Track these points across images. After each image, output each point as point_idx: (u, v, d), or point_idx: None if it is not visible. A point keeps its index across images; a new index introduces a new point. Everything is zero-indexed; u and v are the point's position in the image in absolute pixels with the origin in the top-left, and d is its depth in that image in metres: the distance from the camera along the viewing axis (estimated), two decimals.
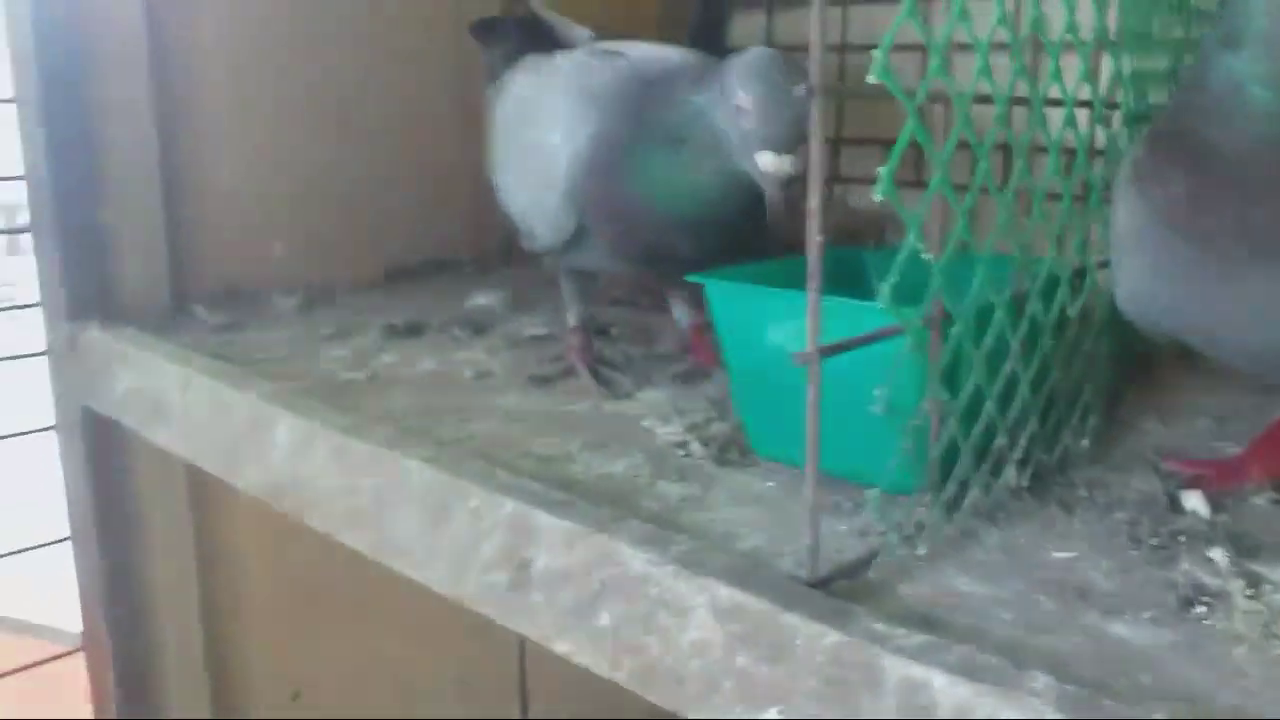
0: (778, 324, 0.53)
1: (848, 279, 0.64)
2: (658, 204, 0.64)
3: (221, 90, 0.90)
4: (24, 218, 0.82)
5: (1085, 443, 0.56)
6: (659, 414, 0.65)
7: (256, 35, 0.92)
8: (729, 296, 0.56)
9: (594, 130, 0.66)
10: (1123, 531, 0.49)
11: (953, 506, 0.47)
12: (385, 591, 1.04)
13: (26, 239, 0.83)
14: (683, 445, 0.60)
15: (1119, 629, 0.41)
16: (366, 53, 0.99)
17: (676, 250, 0.65)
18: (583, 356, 0.73)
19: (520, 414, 0.65)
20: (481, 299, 0.92)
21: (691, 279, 0.57)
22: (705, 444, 0.60)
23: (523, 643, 1.20)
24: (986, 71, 0.40)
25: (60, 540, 0.91)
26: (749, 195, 0.60)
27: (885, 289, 0.37)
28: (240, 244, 0.92)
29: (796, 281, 0.62)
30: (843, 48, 1.08)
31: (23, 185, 0.81)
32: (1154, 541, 0.48)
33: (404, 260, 1.04)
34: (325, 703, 1.04)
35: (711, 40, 1.26)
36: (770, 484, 0.55)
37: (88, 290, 0.80)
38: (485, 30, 0.85)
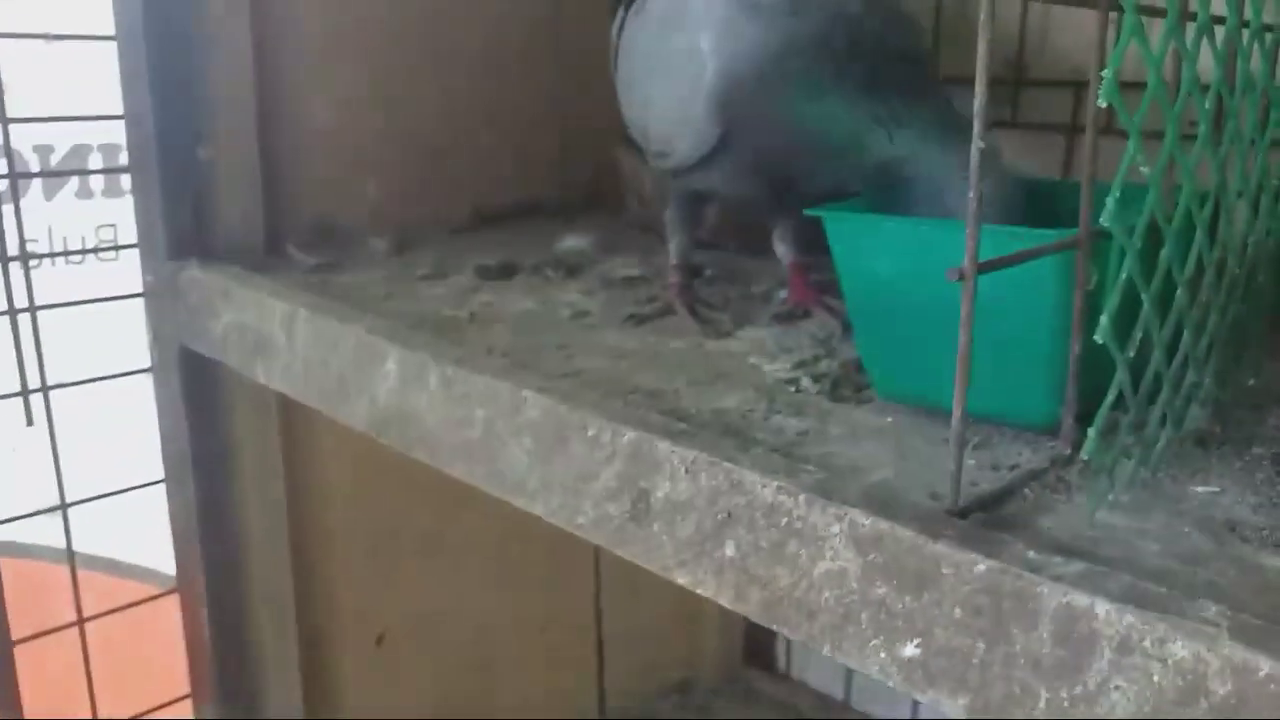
0: (907, 255, 0.51)
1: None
2: (811, 129, 0.62)
3: (315, 25, 0.90)
4: (125, 159, 0.83)
5: (1252, 380, 0.53)
6: (764, 352, 0.64)
7: None
8: (854, 230, 0.54)
9: (755, 36, 0.63)
10: (1265, 467, 0.47)
11: (1146, 445, 0.44)
12: (466, 538, 1.05)
13: (126, 180, 0.84)
14: (793, 382, 0.59)
15: (1276, 563, 0.39)
16: None
17: (812, 173, 0.63)
18: (683, 295, 0.72)
19: (623, 351, 0.64)
20: (572, 241, 0.91)
21: (811, 213, 0.55)
22: (816, 380, 0.58)
23: (598, 594, 1.20)
24: None
25: (155, 482, 0.92)
26: None
27: (1109, 204, 0.35)
28: (334, 183, 0.92)
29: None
30: None
31: (122, 125, 0.82)
32: None
33: (491, 203, 1.04)
34: (407, 647, 1.06)
35: None
36: (889, 419, 0.53)
37: (187, 228, 0.81)
38: None
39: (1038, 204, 0.59)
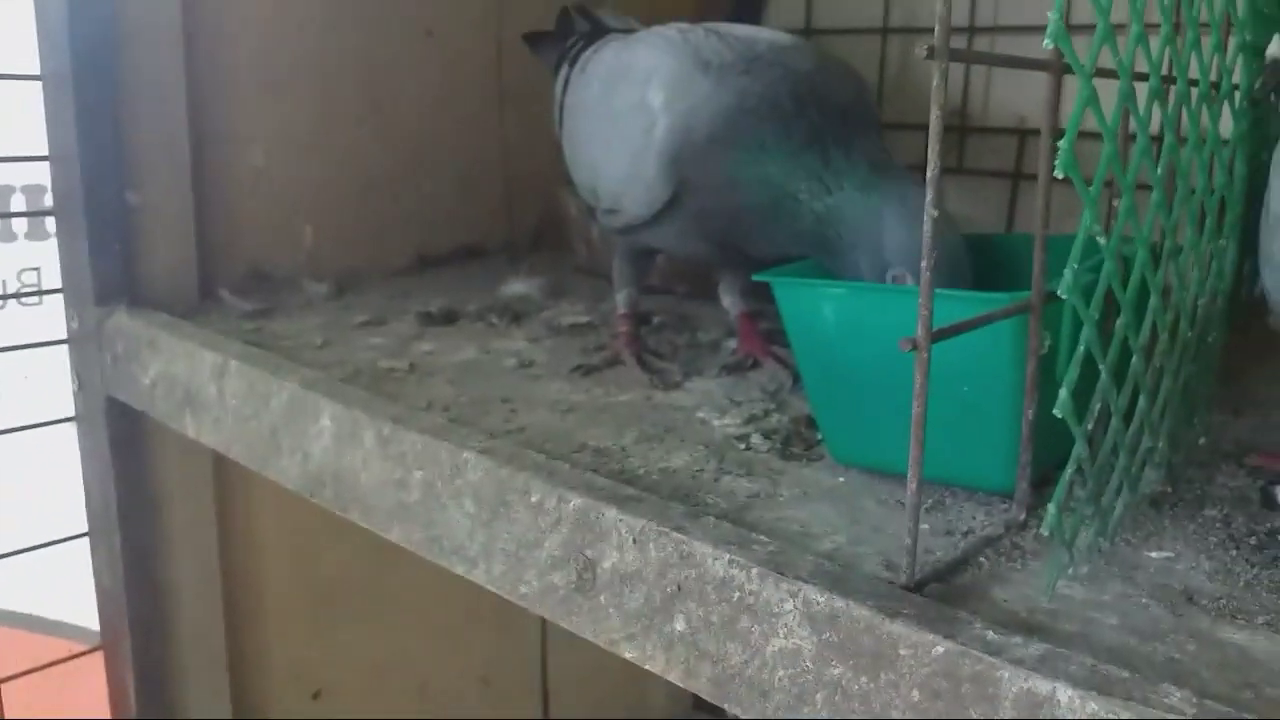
0: (855, 320, 0.50)
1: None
2: (758, 185, 0.61)
3: (253, 69, 0.87)
4: (49, 201, 0.80)
5: (1203, 440, 0.53)
6: (713, 404, 0.63)
7: (289, 13, 0.89)
8: (802, 295, 0.53)
9: (708, 94, 0.63)
10: (1217, 530, 0.47)
11: (1104, 514, 0.44)
12: (406, 590, 1.02)
13: (50, 223, 0.80)
14: (743, 438, 0.57)
15: (1235, 636, 0.38)
16: (400, 33, 0.97)
17: (757, 234, 0.62)
18: (630, 344, 0.71)
19: (569, 404, 0.63)
20: (517, 286, 0.90)
21: (759, 278, 0.54)
22: (767, 436, 0.57)
23: (544, 641, 1.18)
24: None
25: (78, 536, 0.88)
26: None
27: (1068, 276, 0.34)
28: (270, 228, 0.90)
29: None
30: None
31: (47, 166, 0.79)
32: (1252, 541, 0.46)
33: (435, 247, 1.02)
34: (346, 702, 1.02)
35: (751, 18, 1.24)
36: (841, 479, 0.52)
37: (114, 274, 0.78)
38: (563, 23, 0.82)
39: (984, 258, 0.58)
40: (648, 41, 0.69)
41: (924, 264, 0.33)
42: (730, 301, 0.76)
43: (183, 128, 0.81)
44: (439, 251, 1.02)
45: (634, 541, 0.44)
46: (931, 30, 0.34)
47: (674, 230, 0.67)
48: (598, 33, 0.79)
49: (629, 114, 0.66)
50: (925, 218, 0.33)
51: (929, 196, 0.33)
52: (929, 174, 0.33)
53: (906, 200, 0.57)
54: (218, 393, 0.65)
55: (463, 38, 1.01)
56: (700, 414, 0.61)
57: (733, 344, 0.75)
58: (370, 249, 0.96)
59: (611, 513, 0.45)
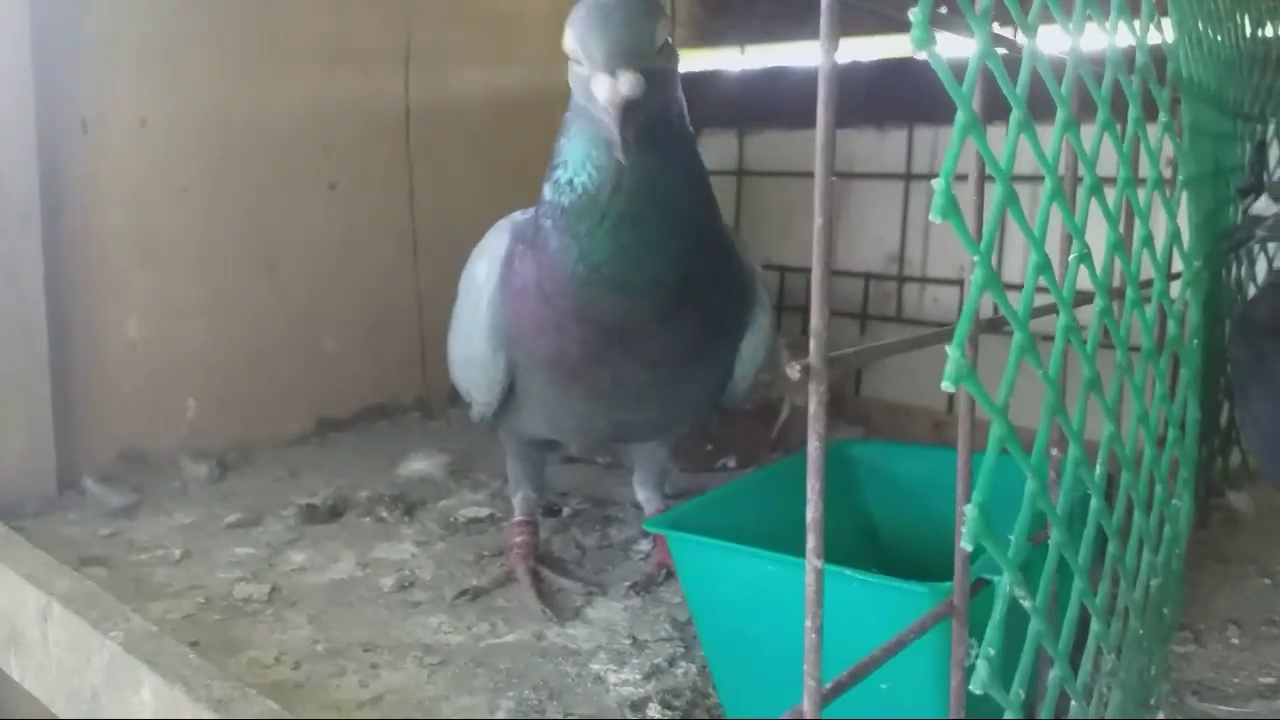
0: (757, 587, 0.43)
1: (834, 477, 0.54)
2: (577, 279, 0.52)
3: (129, 237, 0.79)
4: None
5: (1161, 715, 0.45)
6: (613, 648, 0.55)
7: (172, 177, 0.82)
8: (698, 553, 0.46)
9: (507, 247, 0.57)
10: None
11: None
12: None
13: None
14: (640, 706, 0.49)
15: None
16: (300, 189, 0.90)
17: (614, 370, 0.55)
18: (526, 560, 0.63)
19: (442, 651, 0.54)
20: (418, 464, 0.82)
21: (650, 528, 0.47)
22: (667, 705, 0.49)
23: None
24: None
25: None
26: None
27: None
28: (145, 403, 0.81)
29: (778, 502, 0.52)
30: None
31: None
32: None
33: (338, 409, 0.93)
34: None
35: None
36: None
37: None
38: None
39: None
40: (495, 226, 0.62)
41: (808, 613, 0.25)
42: (644, 497, 0.68)
43: (39, 309, 0.73)
44: (342, 414, 0.94)
45: None
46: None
47: (532, 413, 0.60)
48: None
49: (466, 295, 0.61)
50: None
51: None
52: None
53: None
54: (41, 637, 0.56)
55: (370, 187, 0.94)
56: (595, 665, 0.53)
57: (646, 546, 0.68)
58: (263, 417, 0.88)
59: None
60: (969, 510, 0.28)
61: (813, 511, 0.29)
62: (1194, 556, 0.59)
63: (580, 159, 0.51)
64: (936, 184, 0.26)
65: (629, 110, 0.46)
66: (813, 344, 0.28)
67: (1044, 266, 0.32)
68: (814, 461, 0.28)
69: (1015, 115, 0.30)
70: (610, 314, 0.52)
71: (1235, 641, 0.56)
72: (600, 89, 0.47)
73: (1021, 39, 0.31)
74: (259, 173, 0.86)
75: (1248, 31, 0.61)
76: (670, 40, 0.51)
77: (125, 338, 0.80)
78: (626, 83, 0.46)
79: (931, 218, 0.27)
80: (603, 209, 0.51)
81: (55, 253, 0.74)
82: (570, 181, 0.51)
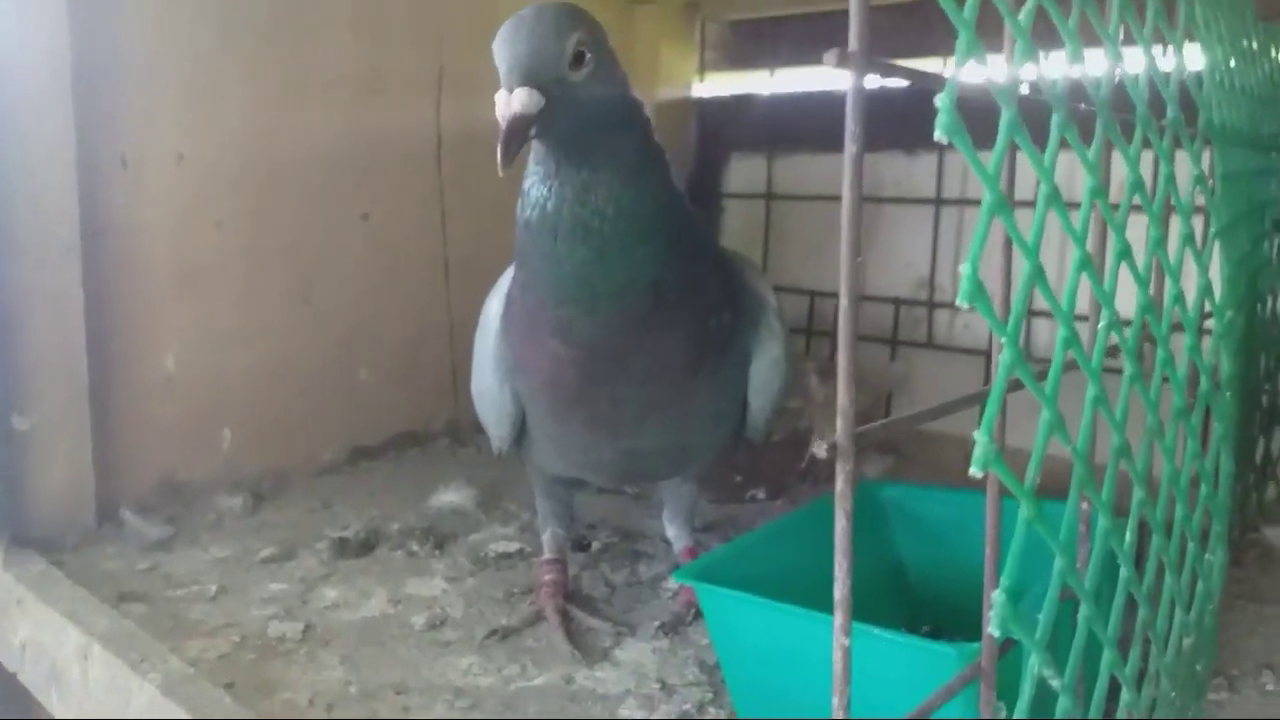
0: (785, 640, 0.43)
1: (862, 519, 0.54)
2: (552, 293, 0.54)
3: (167, 267, 0.81)
4: None
5: None
6: (642, 692, 0.55)
7: (208, 209, 0.83)
8: (726, 604, 0.46)
9: (512, 279, 0.58)
10: None
11: None
12: None
13: None
14: None
15: None
16: (335, 219, 0.91)
17: (614, 392, 0.55)
18: (554, 599, 0.63)
19: (473, 694, 0.55)
20: (450, 495, 0.82)
21: (680, 579, 0.47)
22: None
23: None
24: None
25: None
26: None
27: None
28: (182, 434, 0.82)
29: (809, 549, 0.52)
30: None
31: None
32: None
33: (370, 437, 0.94)
34: None
35: (709, 187, 1.19)
36: None
37: None
38: None
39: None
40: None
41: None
42: (674, 534, 0.68)
43: (79, 339, 0.74)
44: (375, 442, 0.95)
45: None
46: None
47: (548, 449, 0.61)
48: None
49: (480, 328, 0.63)
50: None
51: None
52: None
53: None
54: (81, 676, 0.57)
55: (403, 217, 0.96)
56: (624, 711, 0.53)
57: (674, 585, 0.68)
58: (297, 446, 0.89)
59: None
60: (997, 597, 0.28)
61: (840, 590, 0.29)
62: (1227, 596, 0.58)
63: (538, 177, 0.53)
64: (964, 269, 0.27)
65: (515, 126, 0.48)
66: (840, 423, 0.28)
67: (1072, 341, 0.32)
68: (841, 540, 0.29)
69: (1043, 190, 0.30)
70: (588, 326, 0.53)
71: (1270, 688, 0.56)
72: (497, 103, 0.48)
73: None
74: (294, 205, 0.88)
75: None
76: (595, 55, 0.50)
77: (163, 369, 0.81)
78: (518, 99, 0.48)
79: (958, 303, 0.27)
80: (553, 222, 0.52)
81: (95, 286, 0.75)
82: (529, 196, 0.53)
